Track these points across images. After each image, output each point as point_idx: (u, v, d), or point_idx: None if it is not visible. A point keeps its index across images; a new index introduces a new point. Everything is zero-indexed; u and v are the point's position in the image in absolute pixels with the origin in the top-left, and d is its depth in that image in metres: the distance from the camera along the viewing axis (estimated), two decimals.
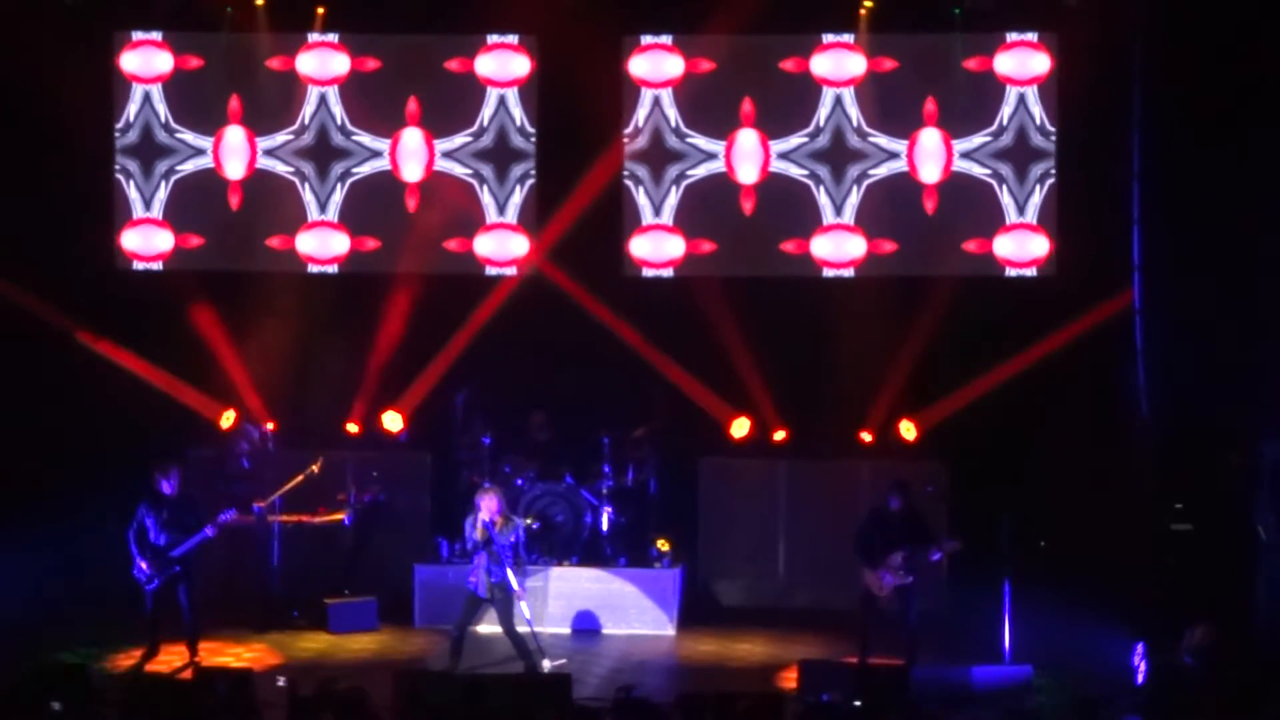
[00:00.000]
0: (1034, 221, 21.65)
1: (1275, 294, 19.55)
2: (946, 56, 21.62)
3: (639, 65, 21.97)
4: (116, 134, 22.32)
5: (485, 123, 22.16)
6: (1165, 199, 20.14)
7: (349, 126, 22.25)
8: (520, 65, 22.08)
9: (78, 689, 14.35)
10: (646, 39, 21.94)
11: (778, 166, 21.88)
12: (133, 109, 22.30)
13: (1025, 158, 21.66)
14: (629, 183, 21.99)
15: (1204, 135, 19.84)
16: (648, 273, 22.04)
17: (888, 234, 21.81)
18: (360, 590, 20.65)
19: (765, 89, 21.83)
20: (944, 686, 17.35)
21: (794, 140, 21.85)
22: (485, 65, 22.11)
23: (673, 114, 21.98)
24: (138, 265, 22.39)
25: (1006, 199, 21.68)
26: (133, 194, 22.31)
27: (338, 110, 22.23)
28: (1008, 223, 21.69)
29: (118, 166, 22.30)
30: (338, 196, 22.28)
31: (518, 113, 22.09)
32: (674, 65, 21.96)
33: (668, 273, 22.06)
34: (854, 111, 21.78)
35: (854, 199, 21.82)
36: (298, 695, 14.12)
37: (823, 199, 21.83)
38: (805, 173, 21.85)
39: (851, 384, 21.69)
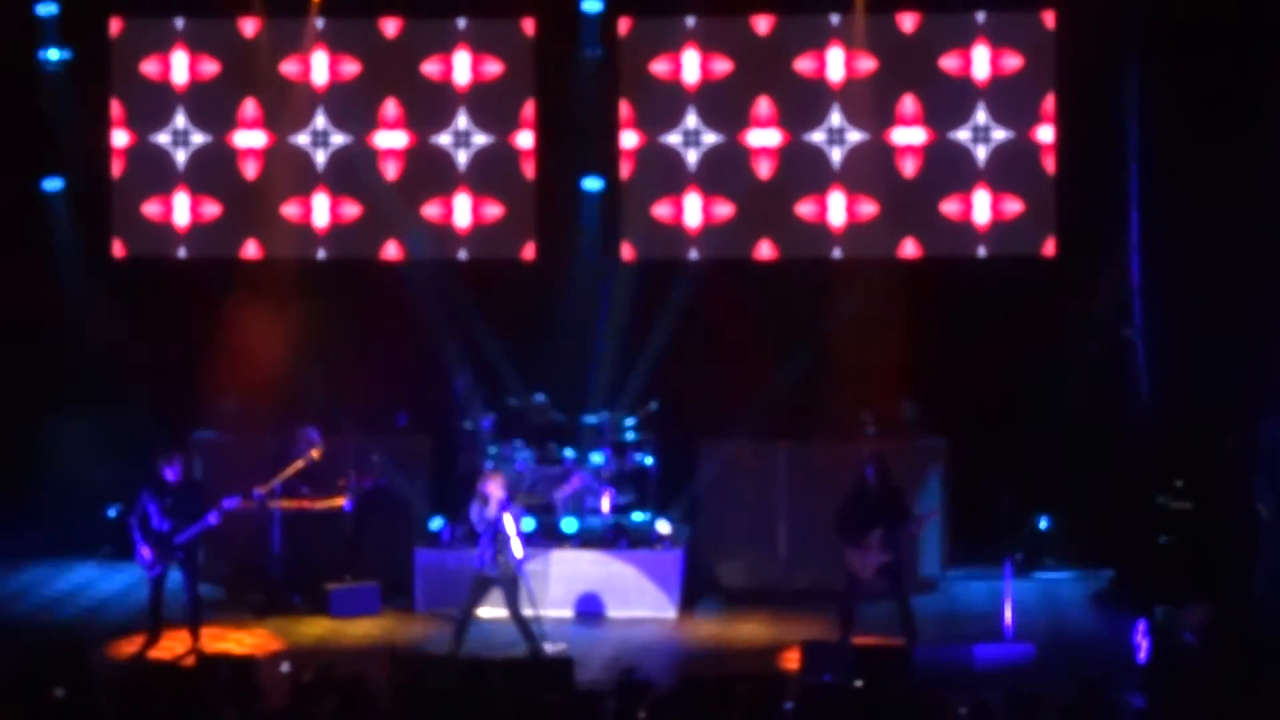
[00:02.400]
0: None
1: (1273, 273, 19.56)
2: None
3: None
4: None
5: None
6: (1164, 179, 20.16)
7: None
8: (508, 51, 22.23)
9: (79, 676, 14.36)
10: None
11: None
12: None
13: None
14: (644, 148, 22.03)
15: (1202, 116, 19.85)
16: (654, 251, 22.13)
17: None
18: (362, 575, 20.67)
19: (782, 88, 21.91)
20: (945, 665, 17.37)
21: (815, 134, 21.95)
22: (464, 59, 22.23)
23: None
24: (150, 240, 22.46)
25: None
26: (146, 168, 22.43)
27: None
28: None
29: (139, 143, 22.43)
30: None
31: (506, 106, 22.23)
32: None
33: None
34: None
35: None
36: (300, 681, 14.14)
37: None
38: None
39: (851, 364, 21.68)
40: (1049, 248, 21.77)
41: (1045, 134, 21.73)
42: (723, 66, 22.07)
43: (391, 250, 22.44)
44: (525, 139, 22.29)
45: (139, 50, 22.49)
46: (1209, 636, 17.76)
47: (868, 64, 21.87)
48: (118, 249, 22.60)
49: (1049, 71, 21.70)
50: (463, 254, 22.40)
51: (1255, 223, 19.66)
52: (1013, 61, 21.73)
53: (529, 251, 22.41)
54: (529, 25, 22.21)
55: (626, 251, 22.21)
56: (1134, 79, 20.43)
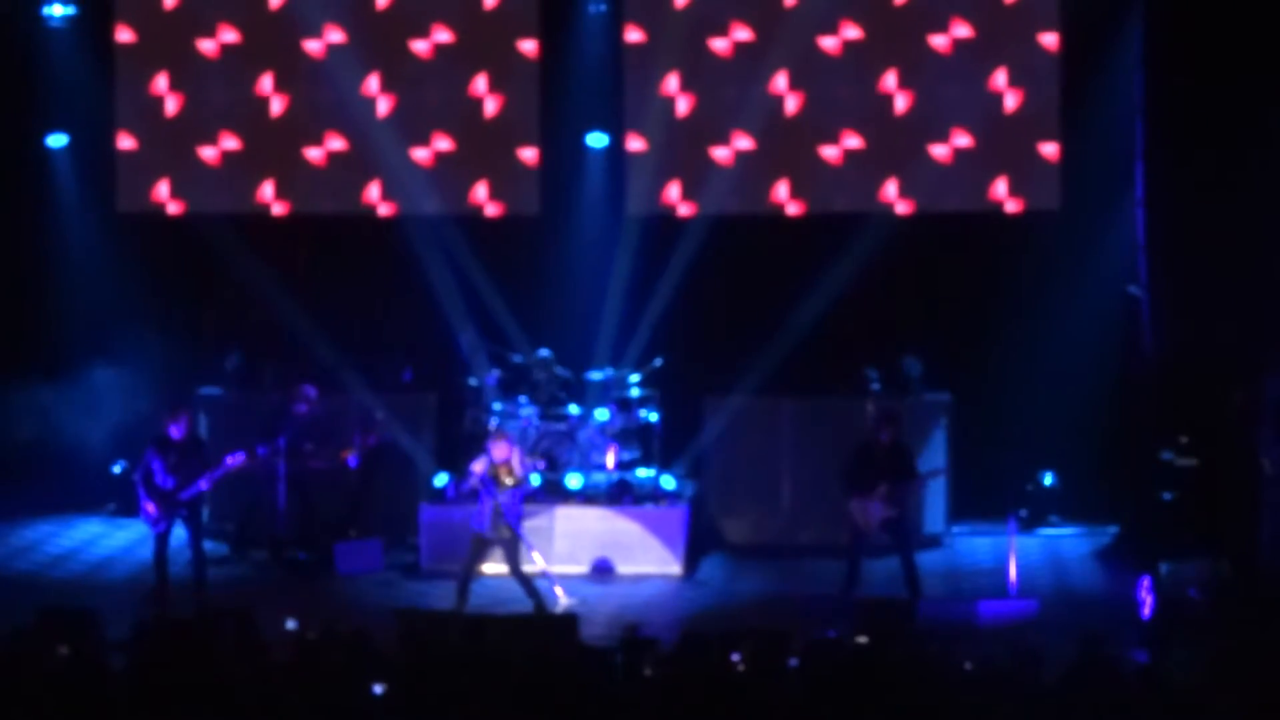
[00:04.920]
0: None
1: None
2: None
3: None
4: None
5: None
6: (1170, 133, 20.10)
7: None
8: None
9: (85, 633, 14.38)
10: None
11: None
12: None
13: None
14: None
15: (1207, 68, 19.78)
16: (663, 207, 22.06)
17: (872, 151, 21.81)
18: (366, 531, 20.70)
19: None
20: (949, 621, 17.40)
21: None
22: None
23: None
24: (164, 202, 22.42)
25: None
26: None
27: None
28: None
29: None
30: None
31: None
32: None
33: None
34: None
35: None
36: (305, 637, 14.15)
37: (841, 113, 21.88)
38: (832, 98, 21.86)
39: (856, 320, 21.67)
40: (1053, 202, 21.71)
41: (1051, 89, 21.65)
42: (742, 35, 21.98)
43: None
44: (531, 93, 22.19)
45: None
46: (1213, 592, 17.79)
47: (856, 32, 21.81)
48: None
49: (1054, 25, 21.62)
50: (467, 209, 22.32)
51: (1262, 177, 19.61)
52: (1018, 17, 21.67)
53: (534, 206, 22.33)
54: None
55: (632, 206, 22.13)
56: (1139, 33, 20.35)
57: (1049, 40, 21.54)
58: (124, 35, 22.27)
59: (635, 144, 22.02)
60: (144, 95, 22.29)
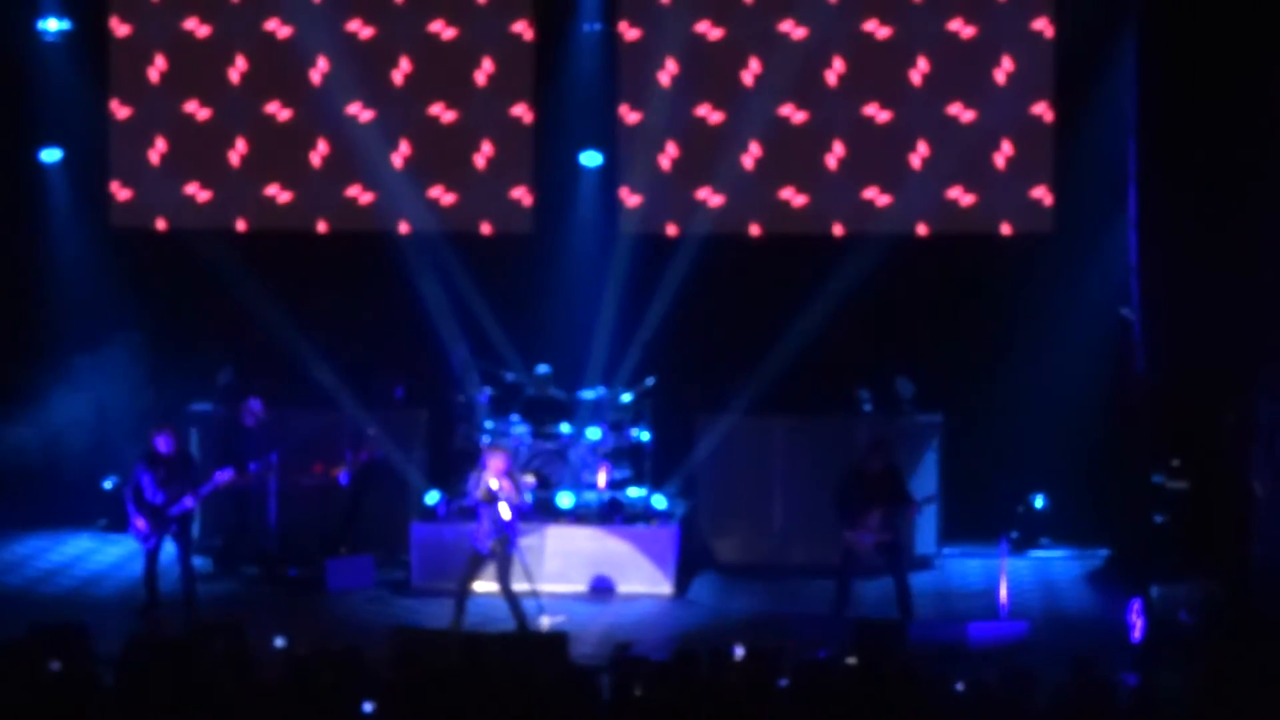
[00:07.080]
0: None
1: (1272, 251, 19.54)
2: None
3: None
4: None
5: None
6: (1163, 155, 20.12)
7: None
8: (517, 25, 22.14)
9: (75, 648, 14.35)
10: None
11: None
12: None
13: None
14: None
15: (1201, 89, 19.81)
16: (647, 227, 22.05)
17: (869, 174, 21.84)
18: (357, 548, 20.67)
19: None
20: (940, 642, 17.38)
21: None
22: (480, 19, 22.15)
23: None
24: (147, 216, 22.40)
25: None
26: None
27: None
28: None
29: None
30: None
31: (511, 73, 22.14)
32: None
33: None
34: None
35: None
36: (295, 653, 14.13)
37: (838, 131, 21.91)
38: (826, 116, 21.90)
39: (847, 341, 21.67)
40: (1045, 224, 21.74)
41: (1044, 110, 21.69)
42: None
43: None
44: (524, 111, 22.20)
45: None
46: (1204, 615, 17.79)
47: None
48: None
49: (1048, 49, 21.66)
50: (461, 227, 22.33)
51: (1256, 199, 19.63)
52: (1013, 35, 21.70)
53: (527, 224, 22.35)
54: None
55: (624, 225, 22.14)
56: (1133, 51, 20.39)
57: (1042, 62, 21.58)
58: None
59: (629, 161, 22.06)
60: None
